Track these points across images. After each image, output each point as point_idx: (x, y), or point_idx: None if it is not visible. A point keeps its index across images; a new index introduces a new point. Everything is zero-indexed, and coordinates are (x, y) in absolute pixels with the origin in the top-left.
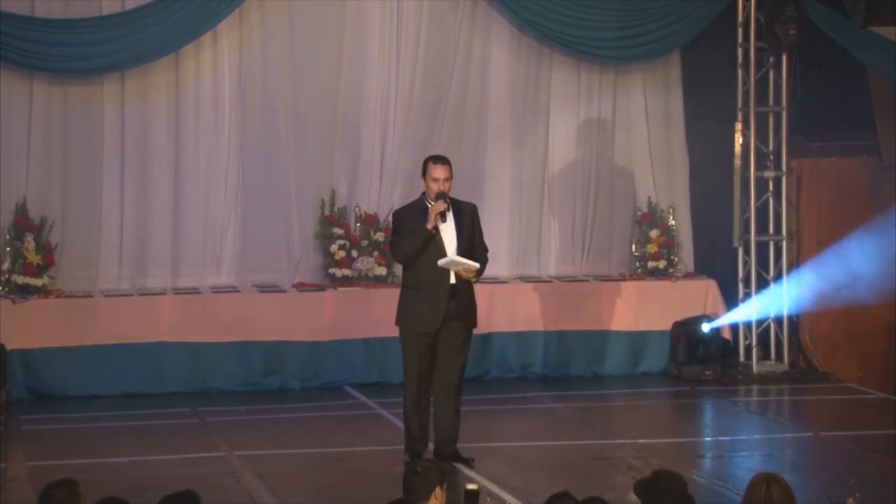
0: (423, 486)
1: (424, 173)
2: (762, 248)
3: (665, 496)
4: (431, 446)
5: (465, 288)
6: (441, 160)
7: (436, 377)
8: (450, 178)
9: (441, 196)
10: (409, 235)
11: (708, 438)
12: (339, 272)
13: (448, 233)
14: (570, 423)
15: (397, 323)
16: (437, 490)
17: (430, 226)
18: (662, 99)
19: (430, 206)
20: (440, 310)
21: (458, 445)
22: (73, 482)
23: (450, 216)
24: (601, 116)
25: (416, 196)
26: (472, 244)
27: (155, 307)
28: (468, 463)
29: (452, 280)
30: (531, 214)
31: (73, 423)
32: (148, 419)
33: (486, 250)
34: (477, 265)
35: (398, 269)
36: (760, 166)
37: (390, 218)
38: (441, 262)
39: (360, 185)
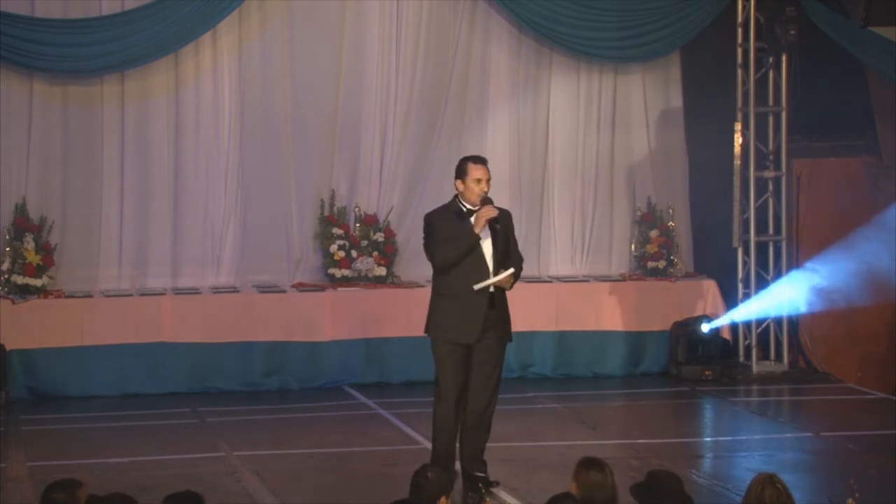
0: (431, 492)
1: (462, 174)
2: (762, 249)
3: (664, 496)
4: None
5: (502, 297)
6: (481, 160)
7: (469, 392)
8: (489, 179)
9: (488, 200)
10: (451, 241)
11: (708, 438)
12: (338, 272)
13: (486, 238)
14: (570, 423)
15: (429, 333)
16: (443, 499)
17: (478, 230)
18: (662, 99)
19: (463, 208)
20: (479, 319)
21: None
22: (75, 483)
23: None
24: (601, 116)
25: (416, 197)
26: (506, 248)
27: (155, 307)
28: (493, 485)
29: (491, 288)
30: (531, 214)
31: (73, 423)
32: (148, 419)
33: (520, 259)
34: (512, 270)
35: (398, 270)
36: (760, 166)
37: (390, 218)
38: (477, 286)
39: (359, 186)
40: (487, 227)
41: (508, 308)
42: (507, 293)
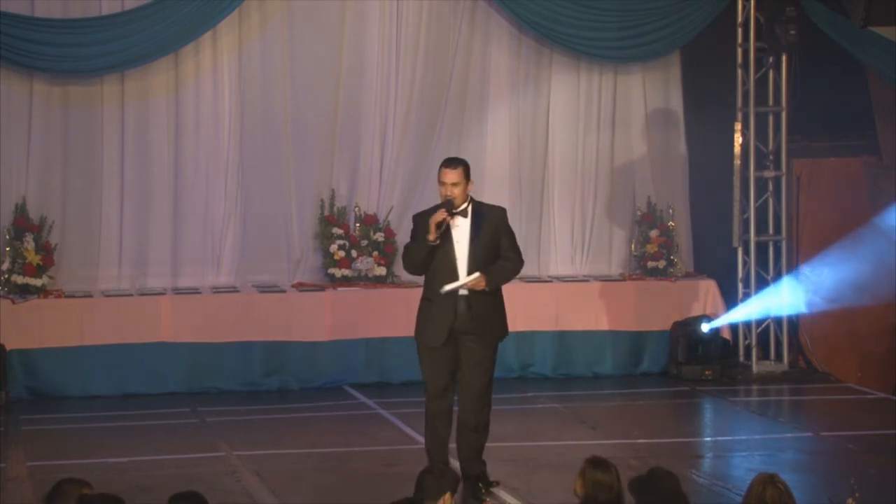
0: (435, 487)
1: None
2: (762, 249)
3: (659, 494)
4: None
5: (483, 300)
6: (450, 163)
7: (459, 393)
8: (461, 183)
9: (446, 204)
10: (416, 244)
11: (708, 438)
12: (338, 272)
13: (461, 240)
14: (570, 422)
15: (414, 336)
16: (447, 495)
17: (431, 237)
18: (662, 99)
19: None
20: (446, 323)
21: None
22: (83, 483)
23: (465, 222)
24: (601, 116)
25: (416, 197)
26: (490, 251)
27: (155, 307)
28: (493, 485)
29: (464, 291)
30: (531, 214)
31: (73, 423)
32: (148, 419)
33: (517, 260)
34: (477, 275)
35: (398, 269)
36: (760, 166)
37: (390, 218)
38: (443, 290)
39: (359, 185)
40: (468, 228)
41: (500, 309)
42: (507, 291)
